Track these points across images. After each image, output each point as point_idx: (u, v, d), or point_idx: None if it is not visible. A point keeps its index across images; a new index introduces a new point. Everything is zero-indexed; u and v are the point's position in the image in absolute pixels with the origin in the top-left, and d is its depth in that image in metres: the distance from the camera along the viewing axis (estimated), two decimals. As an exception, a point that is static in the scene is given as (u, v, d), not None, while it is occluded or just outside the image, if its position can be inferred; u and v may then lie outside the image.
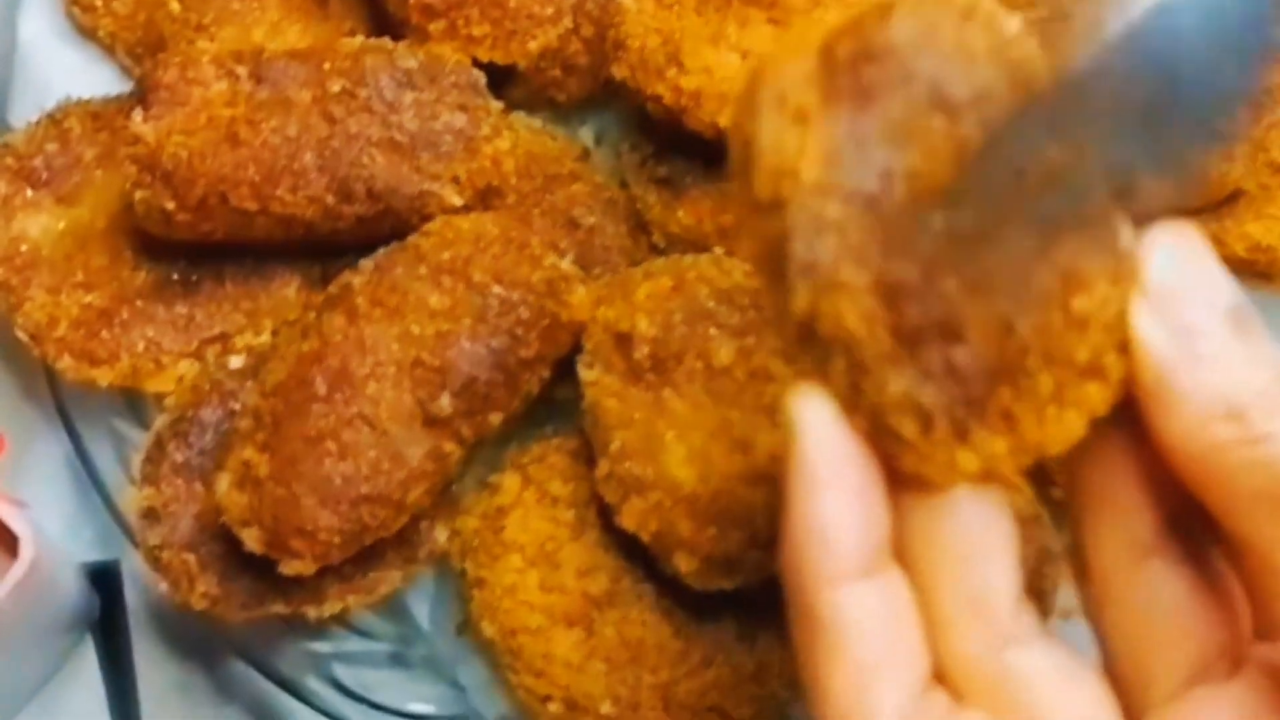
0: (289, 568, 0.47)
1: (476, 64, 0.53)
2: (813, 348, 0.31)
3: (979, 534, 0.32)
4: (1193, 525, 0.33)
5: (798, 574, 0.31)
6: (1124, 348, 0.30)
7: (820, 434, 0.31)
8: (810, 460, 0.31)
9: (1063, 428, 0.31)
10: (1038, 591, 0.47)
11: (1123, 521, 0.33)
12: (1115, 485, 0.33)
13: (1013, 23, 0.31)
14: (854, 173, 0.30)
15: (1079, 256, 0.30)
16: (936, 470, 0.31)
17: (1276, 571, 0.30)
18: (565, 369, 0.51)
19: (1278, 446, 0.29)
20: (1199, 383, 0.30)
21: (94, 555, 0.56)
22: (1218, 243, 0.50)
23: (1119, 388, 0.31)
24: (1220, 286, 0.30)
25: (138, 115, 0.50)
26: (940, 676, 0.32)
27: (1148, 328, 0.30)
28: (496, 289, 0.49)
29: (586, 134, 0.59)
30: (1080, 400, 0.30)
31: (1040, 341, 0.30)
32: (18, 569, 0.47)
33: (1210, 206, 0.50)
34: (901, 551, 0.32)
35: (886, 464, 0.31)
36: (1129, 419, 0.32)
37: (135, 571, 0.55)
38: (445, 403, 0.47)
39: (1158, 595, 0.33)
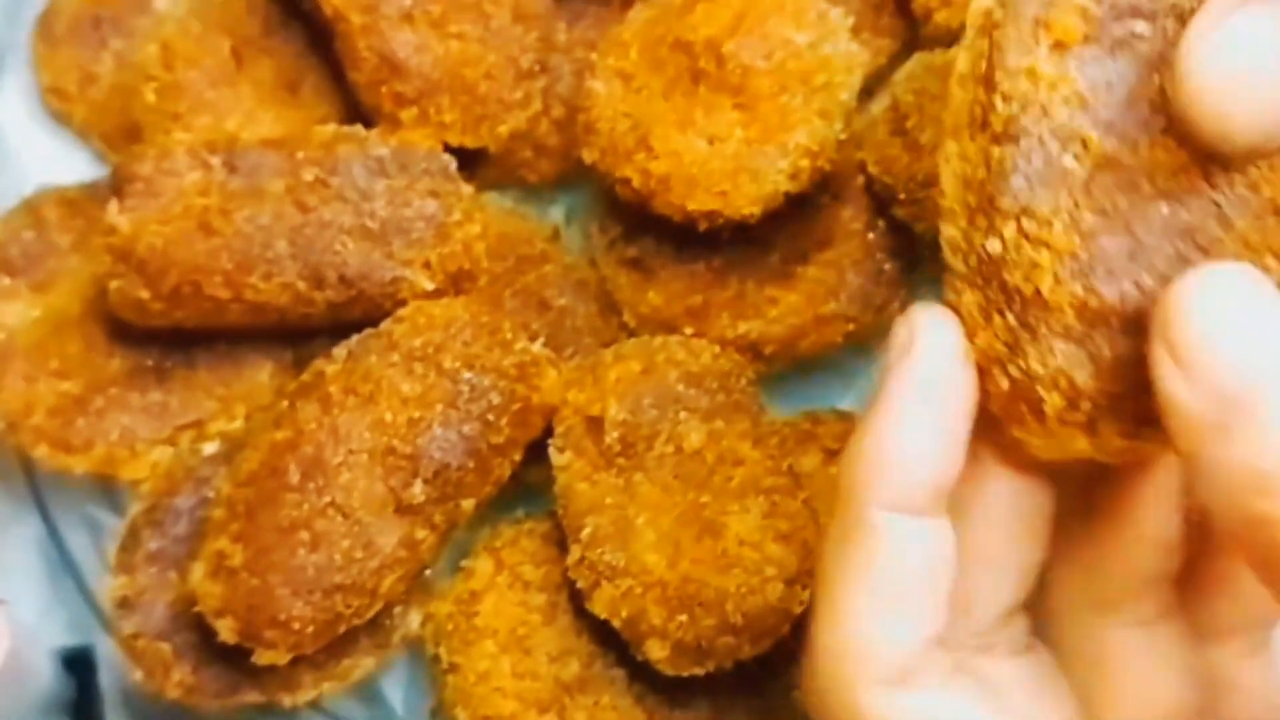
0: (263, 657, 0.47)
1: (448, 148, 0.54)
2: (986, 287, 0.29)
3: (991, 536, 0.31)
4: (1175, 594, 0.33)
5: (856, 485, 0.30)
6: None
7: (939, 356, 0.30)
8: (916, 379, 0.30)
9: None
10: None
11: (1106, 566, 0.32)
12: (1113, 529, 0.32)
13: None
14: (1103, 122, 0.28)
15: None
16: (1043, 444, 0.30)
17: None
18: (538, 451, 0.51)
19: None
20: (1231, 454, 0.26)
21: (68, 639, 0.56)
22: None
23: None
24: (1265, 340, 0.27)
25: (113, 206, 0.50)
26: None
27: (1178, 392, 0.27)
28: (468, 375, 0.49)
29: (558, 212, 0.60)
30: None
31: None
32: (-6, 662, 0.47)
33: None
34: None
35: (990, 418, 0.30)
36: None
37: (110, 656, 0.55)
38: (418, 490, 0.48)
39: (1114, 652, 0.33)
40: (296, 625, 0.46)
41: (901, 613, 0.30)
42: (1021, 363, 0.29)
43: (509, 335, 0.51)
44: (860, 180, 0.56)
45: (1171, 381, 0.27)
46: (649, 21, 0.54)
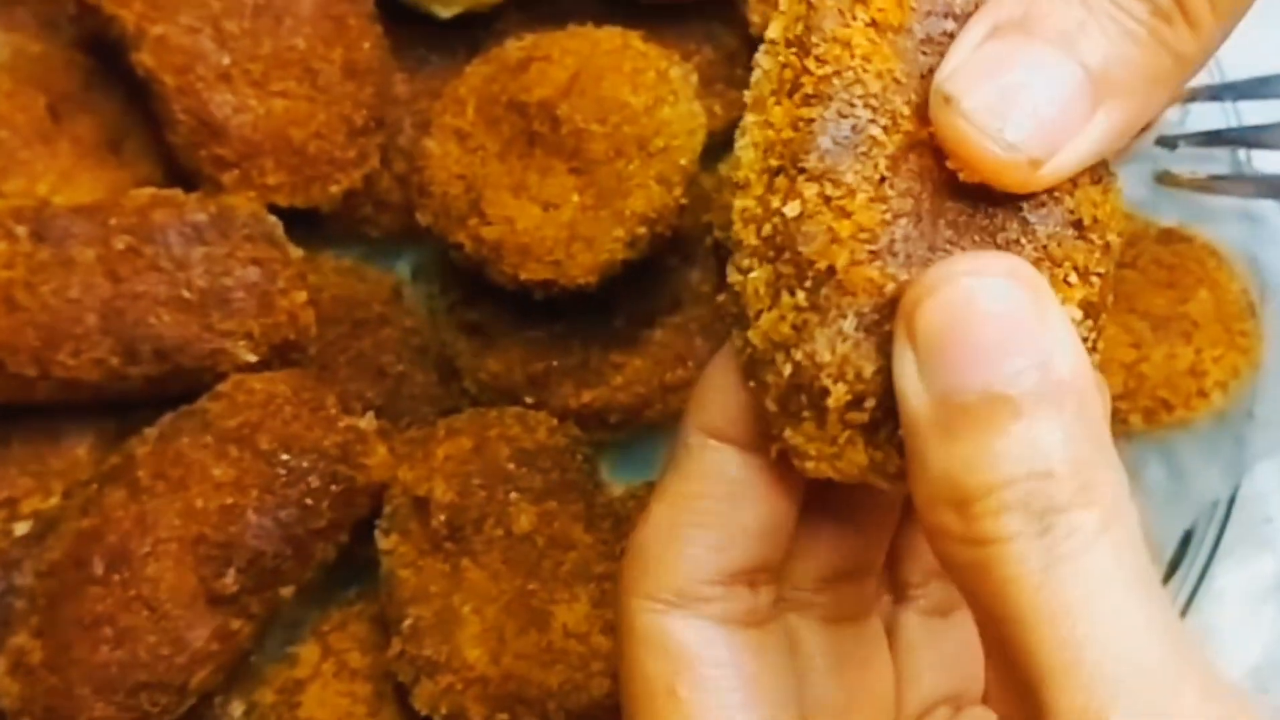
0: (64, 760, 0.45)
1: (277, 210, 0.51)
2: (777, 260, 0.28)
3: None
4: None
5: (686, 412, 0.32)
6: None
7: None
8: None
9: None
10: None
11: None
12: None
13: None
14: (915, 105, 0.28)
15: None
16: (818, 452, 0.29)
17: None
18: (370, 526, 0.49)
19: (991, 552, 0.25)
20: (940, 460, 0.25)
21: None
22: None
23: None
24: (1003, 351, 0.25)
25: (-91, 283, 0.48)
26: None
27: (910, 386, 0.26)
28: (285, 456, 0.47)
29: (404, 268, 0.58)
30: None
31: None
32: None
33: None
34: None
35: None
36: None
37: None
38: (230, 580, 0.45)
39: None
40: (98, 727, 0.44)
41: (693, 538, 0.31)
42: (807, 347, 0.27)
43: (333, 411, 0.48)
44: (709, 242, 0.54)
45: (904, 370, 0.26)
46: (486, 78, 0.52)
